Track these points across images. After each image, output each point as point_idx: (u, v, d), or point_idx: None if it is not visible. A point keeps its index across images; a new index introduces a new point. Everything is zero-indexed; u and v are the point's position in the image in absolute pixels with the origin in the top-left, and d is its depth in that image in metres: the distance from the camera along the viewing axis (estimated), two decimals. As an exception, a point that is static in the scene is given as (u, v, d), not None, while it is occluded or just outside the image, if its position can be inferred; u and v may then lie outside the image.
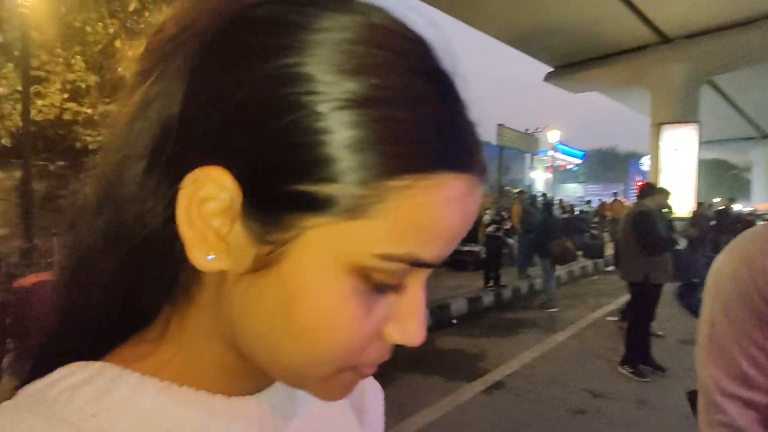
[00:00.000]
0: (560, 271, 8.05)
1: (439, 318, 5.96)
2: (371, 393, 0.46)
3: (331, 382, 0.28)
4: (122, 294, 0.29)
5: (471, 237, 9.81)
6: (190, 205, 0.25)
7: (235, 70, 0.25)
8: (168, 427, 0.28)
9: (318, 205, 0.24)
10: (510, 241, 8.97)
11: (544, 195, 13.31)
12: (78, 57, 6.46)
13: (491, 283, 7.51)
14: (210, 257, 0.26)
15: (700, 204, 10.76)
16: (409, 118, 0.25)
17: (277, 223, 0.25)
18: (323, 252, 0.25)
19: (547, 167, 26.31)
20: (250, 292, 0.26)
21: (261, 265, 0.25)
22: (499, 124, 14.21)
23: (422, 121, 0.25)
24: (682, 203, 11.08)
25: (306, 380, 0.28)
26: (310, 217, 0.24)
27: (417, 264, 0.26)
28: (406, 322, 0.28)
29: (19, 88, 5.51)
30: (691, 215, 10.02)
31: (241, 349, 0.29)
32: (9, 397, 0.26)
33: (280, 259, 0.25)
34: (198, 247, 0.26)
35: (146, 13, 6.64)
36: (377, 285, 0.26)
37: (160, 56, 0.28)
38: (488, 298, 7.07)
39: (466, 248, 9.23)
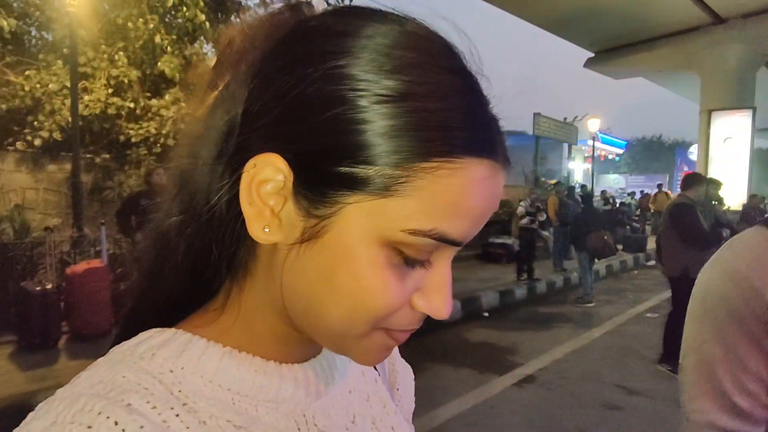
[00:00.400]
0: (598, 265, 7.78)
1: (469, 310, 5.90)
2: (403, 373, 0.51)
3: (367, 343, 0.32)
4: (191, 269, 0.34)
5: (504, 229, 9.63)
6: (251, 186, 0.30)
7: (290, 72, 0.29)
8: (230, 385, 0.33)
9: (357, 183, 0.28)
10: (545, 233, 8.73)
11: (582, 186, 12.86)
12: (121, 53, 6.71)
13: (524, 276, 7.36)
14: (266, 230, 0.30)
15: (752, 196, 10.09)
16: (437, 109, 0.28)
17: (322, 199, 0.29)
18: (361, 225, 0.28)
19: (586, 157, 25.37)
20: (298, 261, 0.30)
21: (308, 237, 0.30)
22: (536, 113, 13.79)
23: (449, 112, 0.28)
24: (733, 195, 10.45)
25: (344, 340, 0.32)
26: (350, 194, 0.28)
27: (442, 240, 0.29)
28: (433, 295, 0.31)
29: (68, 84, 5.80)
30: (741, 208, 9.43)
31: (288, 314, 0.33)
32: (70, 376, 0.30)
33: (324, 231, 0.29)
34: (256, 221, 0.30)
35: (183, 8, 6.82)
36: (408, 259, 0.29)
37: (227, 66, 0.33)
38: (521, 292, 6.94)
39: (499, 240, 9.07)
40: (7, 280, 4.55)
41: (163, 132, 6.77)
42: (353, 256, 0.29)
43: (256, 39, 0.32)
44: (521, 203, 7.70)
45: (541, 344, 4.86)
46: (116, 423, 0.26)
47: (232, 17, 7.94)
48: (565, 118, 16.15)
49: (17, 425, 0.27)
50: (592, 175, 17.63)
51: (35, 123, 6.30)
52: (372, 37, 0.29)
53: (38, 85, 6.31)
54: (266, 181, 0.30)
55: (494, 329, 5.39)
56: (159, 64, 6.73)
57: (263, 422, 0.33)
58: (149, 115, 6.85)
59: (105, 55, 6.69)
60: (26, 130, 6.31)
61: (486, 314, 6.01)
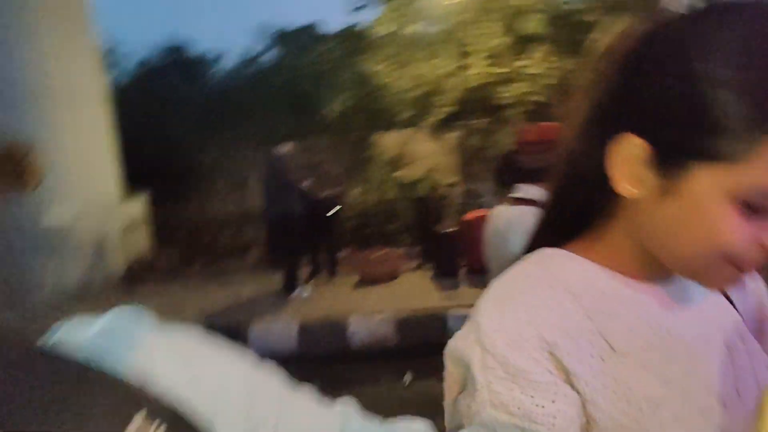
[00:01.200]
0: None
1: None
2: None
3: (716, 273, 0.41)
4: (574, 212, 0.49)
5: None
6: (618, 157, 0.42)
7: (650, 71, 0.40)
8: (598, 286, 0.45)
9: (707, 155, 0.37)
10: None
11: None
12: (496, 23, 7.45)
13: None
14: (629, 188, 0.42)
15: None
16: None
17: (676, 166, 0.39)
18: (711, 185, 0.38)
19: None
20: (656, 211, 0.41)
21: (661, 193, 0.40)
22: None
23: None
24: None
25: (696, 270, 0.42)
26: (701, 162, 0.38)
27: None
28: None
29: (457, 65, 7.03)
30: None
31: (648, 249, 0.44)
32: (469, 299, 0.54)
33: (676, 189, 0.39)
34: (622, 182, 0.42)
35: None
36: (753, 207, 0.37)
37: (596, 72, 0.45)
38: None
39: None
40: (427, 225, 6.22)
41: (533, 90, 7.16)
42: (705, 209, 0.38)
43: (617, 47, 0.43)
44: None
45: None
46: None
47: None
48: None
49: (437, 332, 0.47)
50: None
51: (436, 102, 8.03)
52: (718, 35, 0.37)
53: (436, 71, 7.95)
54: (629, 155, 0.41)
55: None
56: (525, 24, 7.06)
57: (623, 315, 0.44)
58: (520, 76, 7.39)
59: (483, 31, 7.61)
60: (432, 108, 8.14)
61: None
